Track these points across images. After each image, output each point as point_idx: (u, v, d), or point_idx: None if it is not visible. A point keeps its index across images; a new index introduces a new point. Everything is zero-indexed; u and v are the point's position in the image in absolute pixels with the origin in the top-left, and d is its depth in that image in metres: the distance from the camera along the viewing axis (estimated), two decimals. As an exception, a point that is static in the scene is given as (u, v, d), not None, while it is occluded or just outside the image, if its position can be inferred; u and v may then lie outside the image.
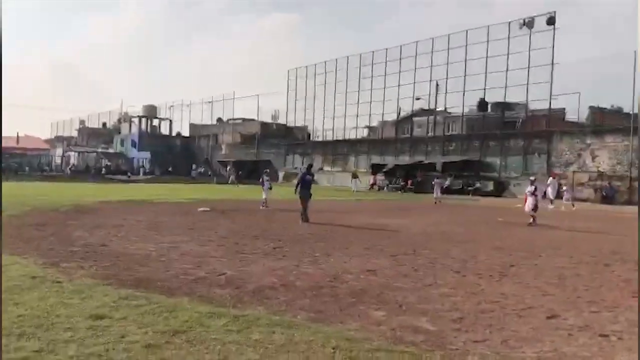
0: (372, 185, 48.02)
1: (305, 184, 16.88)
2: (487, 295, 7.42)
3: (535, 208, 17.96)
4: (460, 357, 4.87)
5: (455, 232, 15.37)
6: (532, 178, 20.11)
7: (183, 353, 4.63)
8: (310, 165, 19.71)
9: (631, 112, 34.95)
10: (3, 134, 72.96)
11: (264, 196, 21.92)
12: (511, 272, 9.28)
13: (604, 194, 32.90)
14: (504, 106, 44.09)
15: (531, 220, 17.89)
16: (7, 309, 5.66)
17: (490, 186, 39.92)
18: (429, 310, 6.53)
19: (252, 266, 8.95)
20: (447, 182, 41.00)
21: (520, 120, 42.96)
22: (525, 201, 18.46)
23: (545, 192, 35.40)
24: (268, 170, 25.78)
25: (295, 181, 20.57)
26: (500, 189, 39.56)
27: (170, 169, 64.89)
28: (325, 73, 58.17)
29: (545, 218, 21.14)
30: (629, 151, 33.06)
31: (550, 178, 30.92)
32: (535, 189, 18.24)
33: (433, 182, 31.54)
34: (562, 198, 29.04)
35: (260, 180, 22.63)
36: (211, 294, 6.83)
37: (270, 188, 22.50)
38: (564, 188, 29.54)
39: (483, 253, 11.40)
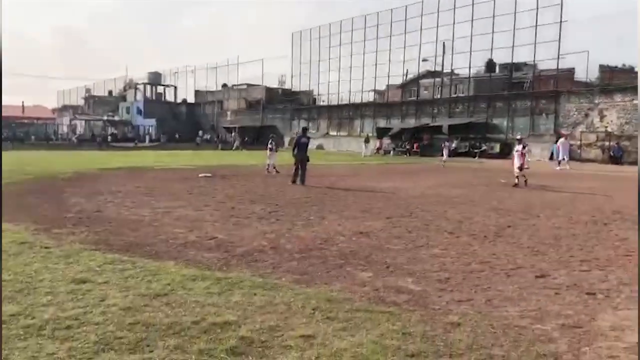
0: (378, 149, 47.73)
1: (302, 147, 17.26)
2: (478, 256, 7.36)
3: (521, 167, 17.38)
4: (440, 316, 4.82)
5: (454, 194, 15.25)
6: (519, 137, 19.70)
7: (160, 315, 4.60)
8: (305, 129, 20.55)
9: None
10: (9, 103, 73.12)
11: (267, 162, 21.75)
12: (506, 233, 9.19)
13: (612, 154, 32.47)
14: (512, 66, 43.32)
15: (516, 180, 17.47)
16: (-9, 274, 5.67)
17: (497, 148, 39.55)
18: (417, 270, 6.48)
19: (245, 230, 8.92)
20: (454, 145, 40.67)
21: (529, 81, 42.24)
22: (514, 160, 17.97)
23: (552, 153, 35.26)
24: (274, 135, 25.50)
25: (291, 145, 20.73)
26: (507, 151, 39.07)
27: (176, 135, 64.85)
28: (330, 36, 57.28)
29: (549, 178, 20.97)
30: (638, 109, 32.44)
31: (561, 139, 30.60)
32: (524, 147, 17.76)
33: (442, 145, 31.36)
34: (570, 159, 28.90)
35: (269, 145, 22.08)
36: (198, 258, 6.81)
37: (276, 150, 22.15)
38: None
39: (480, 214, 11.30)
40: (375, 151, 46.63)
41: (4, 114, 68.25)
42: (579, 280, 6.22)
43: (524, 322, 4.75)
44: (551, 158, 35.50)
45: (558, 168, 27.32)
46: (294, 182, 17.00)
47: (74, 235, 8.04)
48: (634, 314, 5.03)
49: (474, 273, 6.45)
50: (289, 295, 5.24)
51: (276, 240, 8.11)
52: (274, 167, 21.33)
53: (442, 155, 30.30)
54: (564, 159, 28.46)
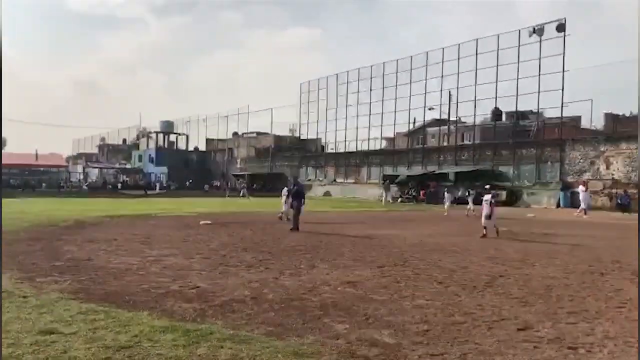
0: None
1: (295, 195, 18.60)
2: (463, 307, 7.18)
3: (489, 217, 16.46)
4: (408, 372, 4.66)
5: (452, 242, 15.05)
6: (487, 186, 19.17)
7: (119, 369, 4.49)
8: (296, 177, 22.28)
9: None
10: (23, 151, 74.34)
11: (282, 209, 21.48)
12: (497, 283, 8.99)
13: (619, 201, 32.09)
14: (517, 115, 43.50)
15: (484, 231, 16.39)
16: (-41, 324, 5.59)
17: (503, 196, 39.29)
18: (396, 322, 6.32)
19: (230, 279, 8.81)
20: (459, 193, 40.49)
21: (534, 129, 42.31)
22: (482, 211, 16.98)
23: (559, 200, 35.00)
24: (291, 179, 25.52)
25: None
26: (514, 199, 38.93)
27: (188, 183, 65.39)
28: (337, 85, 58.20)
29: (552, 226, 20.69)
30: (644, 158, 32.28)
31: (581, 186, 30.48)
32: (493, 196, 17.06)
33: (443, 193, 31.12)
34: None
35: (284, 192, 21.88)
36: (175, 308, 6.71)
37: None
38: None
39: (475, 263, 11.11)
40: (396, 198, 45.83)
41: (17, 161, 69.44)
42: (563, 333, 6.02)
43: (495, 378, 4.57)
44: (558, 206, 35.21)
45: (577, 214, 27.69)
46: (292, 229, 17.40)
47: (56, 284, 7.98)
48: (613, 370, 4.83)
49: (454, 325, 6.27)
50: (256, 349, 5.10)
51: (259, 289, 7.98)
52: (287, 216, 20.82)
53: (445, 203, 29.90)
54: (585, 207, 28.49)
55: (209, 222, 19.99)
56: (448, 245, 14.41)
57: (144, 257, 10.97)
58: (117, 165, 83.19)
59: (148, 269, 9.56)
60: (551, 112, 40.36)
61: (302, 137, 65.10)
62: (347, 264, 10.76)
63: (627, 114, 41.56)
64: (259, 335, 5.63)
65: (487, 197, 16.87)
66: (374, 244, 14.27)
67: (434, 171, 45.72)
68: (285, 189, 21.89)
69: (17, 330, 5.49)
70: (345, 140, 57.48)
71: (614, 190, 33.48)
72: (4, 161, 71.90)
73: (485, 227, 16.46)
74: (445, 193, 31.15)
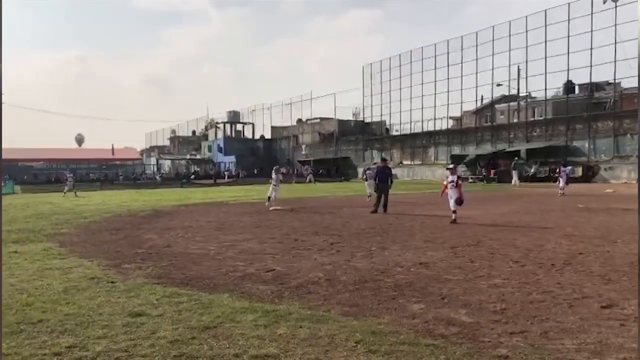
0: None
1: (382, 177, 18.37)
2: (541, 285, 7.00)
3: (460, 201, 14.57)
4: (488, 349, 4.62)
5: (526, 220, 14.64)
6: (450, 166, 16.55)
7: (205, 348, 4.70)
8: (384, 159, 21.48)
9: None
10: (101, 147, 78.23)
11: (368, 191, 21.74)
12: (576, 261, 8.70)
13: None
14: (592, 86, 41.47)
15: (453, 217, 14.38)
16: (58, 308, 6.02)
17: (578, 172, 37.69)
18: (472, 302, 6.26)
19: (303, 261, 8.98)
20: (532, 170, 39.23)
21: (611, 100, 40.21)
22: (444, 191, 15.03)
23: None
24: (278, 166, 25.00)
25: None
26: (590, 174, 37.27)
27: (255, 171, 66.80)
28: (400, 66, 57.46)
29: (633, 201, 19.68)
30: None
31: None
32: (459, 178, 14.92)
33: (511, 170, 30.24)
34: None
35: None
36: (253, 290, 6.91)
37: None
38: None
39: (552, 242, 10.77)
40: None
41: (95, 157, 73.11)
42: (651, 311, 5.76)
43: (579, 355, 4.46)
44: (639, 180, 33.37)
45: None
46: (374, 212, 17.59)
47: (140, 270, 8.40)
48: None
49: (533, 304, 6.13)
50: (334, 328, 5.20)
51: (332, 271, 8.09)
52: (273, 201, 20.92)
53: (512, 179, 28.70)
54: None
55: (279, 207, 20.33)
56: (522, 224, 14.03)
57: (220, 243, 11.34)
58: (187, 156, 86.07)
59: (225, 254, 9.88)
60: (629, 82, 38.25)
61: (366, 121, 64.82)
62: (419, 245, 10.70)
63: None
64: (336, 315, 5.73)
65: (452, 177, 14.77)
66: (445, 224, 14.08)
67: (504, 149, 44.42)
68: (369, 170, 22.10)
69: (109, 313, 5.84)
70: (411, 122, 56.82)
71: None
72: (83, 156, 76.04)
73: (454, 212, 14.46)
74: (512, 170, 30.23)
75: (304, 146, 71.74)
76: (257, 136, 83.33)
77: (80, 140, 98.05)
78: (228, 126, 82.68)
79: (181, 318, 5.64)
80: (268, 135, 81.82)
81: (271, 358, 4.43)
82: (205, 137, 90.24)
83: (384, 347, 4.66)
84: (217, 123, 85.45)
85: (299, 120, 75.07)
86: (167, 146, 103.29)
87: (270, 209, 19.97)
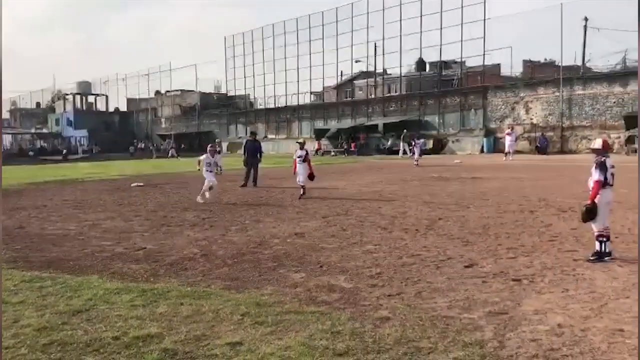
0: (317, 150, 47.85)
1: (251, 151, 18.00)
2: (409, 250, 7.44)
3: (312, 177, 14.21)
4: (370, 312, 4.82)
5: (389, 190, 15.44)
6: (300, 140, 16.51)
7: (79, 333, 4.38)
8: (253, 133, 21.80)
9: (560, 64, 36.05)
10: None
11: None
12: (437, 225, 9.36)
13: (538, 144, 33.85)
14: (441, 64, 44.41)
15: (302, 191, 14.11)
16: None
17: (430, 144, 40.42)
18: (349, 268, 6.48)
19: (176, 238, 8.68)
20: (389, 143, 41.38)
21: (457, 78, 43.44)
22: (295, 169, 14.40)
23: (482, 146, 36.50)
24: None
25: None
26: (440, 147, 40.16)
27: (110, 146, 62.89)
28: (263, 39, 57.02)
29: (480, 171, 21.60)
30: (559, 101, 34.02)
31: (507, 131, 31.38)
32: (307, 153, 14.61)
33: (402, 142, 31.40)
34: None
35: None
36: (124, 270, 6.56)
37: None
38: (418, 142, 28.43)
39: (413, 209, 11.48)
40: (314, 152, 46.39)
41: None
42: (506, 267, 6.39)
43: (452, 312, 4.81)
44: (482, 151, 36.69)
45: (505, 159, 28.55)
46: (244, 185, 17.41)
47: (-10, 254, 7.57)
48: (556, 297, 5.20)
49: (405, 267, 6.51)
50: (217, 303, 5.10)
51: (208, 247, 7.92)
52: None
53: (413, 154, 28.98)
54: (509, 151, 29.50)
55: (141, 184, 19.41)
56: (385, 193, 14.77)
57: (80, 222, 10.57)
58: (32, 131, 78.69)
59: (87, 234, 9.24)
60: (473, 61, 41.52)
61: (229, 94, 63.74)
62: (292, 216, 10.84)
63: (542, 61, 43.59)
64: (217, 289, 5.63)
65: (301, 153, 14.29)
66: (314, 195, 14.37)
67: (364, 123, 46.27)
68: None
69: (-41, 304, 5.19)
70: (275, 96, 56.88)
71: (532, 134, 35.18)
72: None
73: (303, 187, 14.15)
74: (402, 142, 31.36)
75: (163, 119, 68.89)
76: (111, 109, 78.29)
77: None
78: (78, 98, 76.63)
79: (46, 303, 5.19)
80: (124, 108, 77.27)
81: (155, 338, 4.24)
82: (52, 109, 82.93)
83: (270, 318, 4.67)
84: (65, 94, 78.86)
85: (158, 93, 71.68)
86: (7, 119, 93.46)
87: (132, 185, 18.99)
